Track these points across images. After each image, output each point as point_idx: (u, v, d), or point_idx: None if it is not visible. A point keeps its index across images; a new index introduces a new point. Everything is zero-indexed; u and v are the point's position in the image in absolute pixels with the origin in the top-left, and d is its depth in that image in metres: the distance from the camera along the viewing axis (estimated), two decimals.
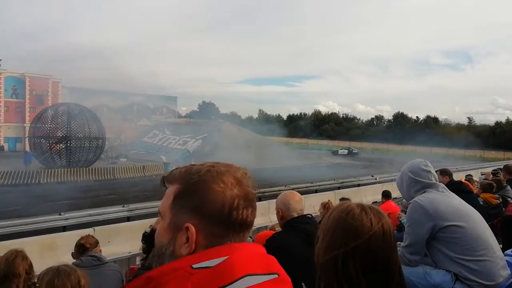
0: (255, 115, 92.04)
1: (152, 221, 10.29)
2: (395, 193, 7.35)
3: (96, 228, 8.84)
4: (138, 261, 5.31)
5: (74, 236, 8.47)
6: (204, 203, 0.82)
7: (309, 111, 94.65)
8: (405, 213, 3.49)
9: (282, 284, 0.82)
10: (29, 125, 35.73)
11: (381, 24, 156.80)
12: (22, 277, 2.45)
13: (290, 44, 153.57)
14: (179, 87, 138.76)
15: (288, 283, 0.85)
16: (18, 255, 2.53)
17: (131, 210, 12.32)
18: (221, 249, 0.79)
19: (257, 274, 0.78)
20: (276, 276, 0.82)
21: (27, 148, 30.83)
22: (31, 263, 2.59)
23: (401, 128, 67.56)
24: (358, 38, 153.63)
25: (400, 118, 78.33)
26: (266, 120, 75.49)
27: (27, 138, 32.36)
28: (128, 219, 12.00)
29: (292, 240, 2.35)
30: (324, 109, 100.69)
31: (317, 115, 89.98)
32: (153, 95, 70.19)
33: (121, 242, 8.75)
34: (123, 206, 12.46)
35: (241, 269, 0.77)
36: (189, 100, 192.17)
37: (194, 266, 0.75)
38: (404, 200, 4.59)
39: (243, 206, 0.84)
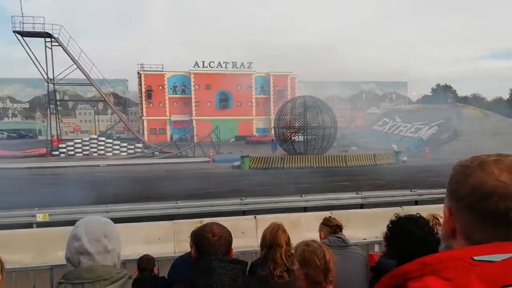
0: (506, 96, 76.80)
1: (385, 210, 10.12)
2: None
3: (333, 211, 9.49)
4: (376, 248, 5.39)
5: (314, 217, 9.34)
6: (458, 187, 0.82)
7: None
8: None
9: None
10: (273, 117, 41.54)
11: None
12: (283, 247, 2.87)
13: None
14: (408, 71, 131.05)
15: None
16: (279, 228, 2.98)
17: (364, 198, 12.57)
18: (506, 245, 0.75)
19: None
20: None
21: (273, 137, 35.80)
22: (289, 236, 3.03)
23: None
24: None
25: None
26: None
27: (272, 128, 37.69)
28: (361, 206, 12.33)
29: None
30: None
31: None
32: (381, 82, 68.89)
33: (355, 228, 9.05)
34: (357, 193, 12.85)
35: None
36: (420, 84, 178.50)
37: (476, 258, 0.74)
38: None
39: (503, 197, 0.75)
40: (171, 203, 11.67)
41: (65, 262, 1.55)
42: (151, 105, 53.19)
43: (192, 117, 53.23)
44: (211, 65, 53.51)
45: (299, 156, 27.64)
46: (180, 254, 3.73)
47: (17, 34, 32.66)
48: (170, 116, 53.85)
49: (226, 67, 53.85)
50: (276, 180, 20.03)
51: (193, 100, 53.65)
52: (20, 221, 10.40)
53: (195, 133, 46.75)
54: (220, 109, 54.03)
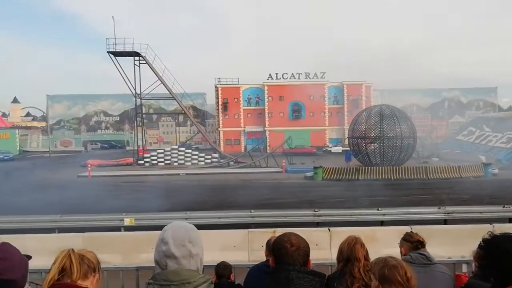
0: None
1: (473, 227, 9.28)
2: None
3: (412, 226, 8.93)
4: (464, 268, 4.96)
5: (391, 231, 8.90)
6: None
7: None
8: None
9: None
10: (347, 127, 40.50)
11: None
12: (362, 262, 2.78)
13: None
14: (499, 75, 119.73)
15: None
16: (357, 242, 2.88)
17: (448, 213, 11.66)
18: None
19: None
20: None
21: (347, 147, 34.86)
22: (367, 250, 2.93)
23: None
24: None
25: None
26: None
27: (346, 139, 36.75)
28: (445, 222, 11.47)
29: None
30: None
31: None
32: (466, 89, 63.78)
33: (437, 245, 8.41)
34: (439, 208, 11.97)
35: None
36: None
37: None
38: None
39: None
40: (245, 212, 11.91)
41: (149, 264, 1.67)
42: (227, 117, 55.11)
43: (265, 128, 54.05)
44: (284, 76, 54.05)
45: (374, 168, 26.54)
46: (254, 263, 3.79)
47: (110, 54, 36.12)
48: (245, 127, 55.21)
49: (299, 78, 53.99)
50: (350, 192, 19.45)
51: (266, 111, 54.50)
52: (110, 224, 11.36)
53: (268, 144, 47.25)
54: (292, 120, 54.16)
